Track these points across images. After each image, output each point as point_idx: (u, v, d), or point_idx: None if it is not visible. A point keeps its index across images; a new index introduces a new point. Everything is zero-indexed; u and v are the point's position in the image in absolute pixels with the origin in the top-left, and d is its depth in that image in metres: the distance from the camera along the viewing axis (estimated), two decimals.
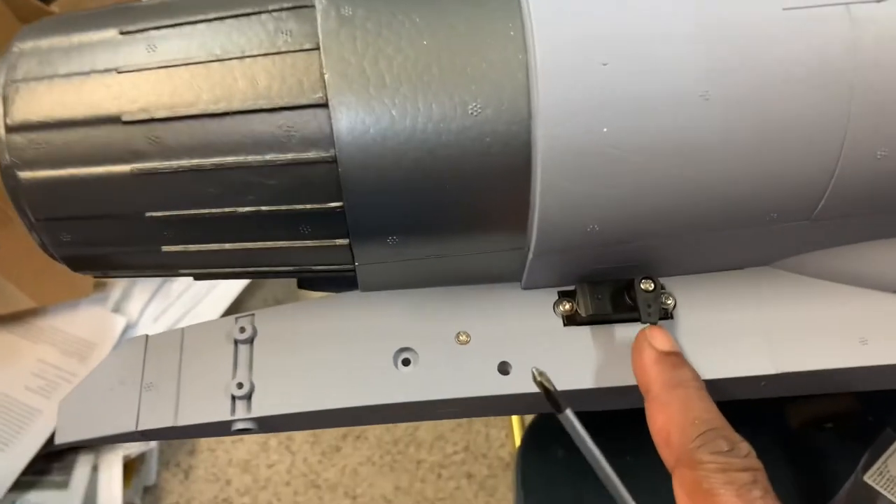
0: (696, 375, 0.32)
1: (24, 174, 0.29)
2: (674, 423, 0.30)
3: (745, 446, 0.29)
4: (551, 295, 0.35)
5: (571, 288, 0.35)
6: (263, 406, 0.33)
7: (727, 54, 0.28)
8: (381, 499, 1.03)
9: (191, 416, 0.32)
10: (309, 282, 0.37)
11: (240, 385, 0.33)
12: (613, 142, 0.29)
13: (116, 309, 1.03)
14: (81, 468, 0.96)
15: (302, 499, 1.04)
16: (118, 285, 1.05)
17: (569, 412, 0.30)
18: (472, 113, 0.28)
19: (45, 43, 0.30)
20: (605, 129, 0.28)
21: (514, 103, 0.28)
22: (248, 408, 0.33)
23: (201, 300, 1.07)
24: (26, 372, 0.99)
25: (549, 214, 0.30)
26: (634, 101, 0.28)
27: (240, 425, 0.32)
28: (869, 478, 0.52)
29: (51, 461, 0.95)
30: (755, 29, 0.28)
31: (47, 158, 0.29)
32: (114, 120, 0.29)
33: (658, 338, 0.32)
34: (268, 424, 0.33)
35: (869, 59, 0.28)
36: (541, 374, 0.30)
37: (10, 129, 0.29)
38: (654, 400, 0.31)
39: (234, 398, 0.33)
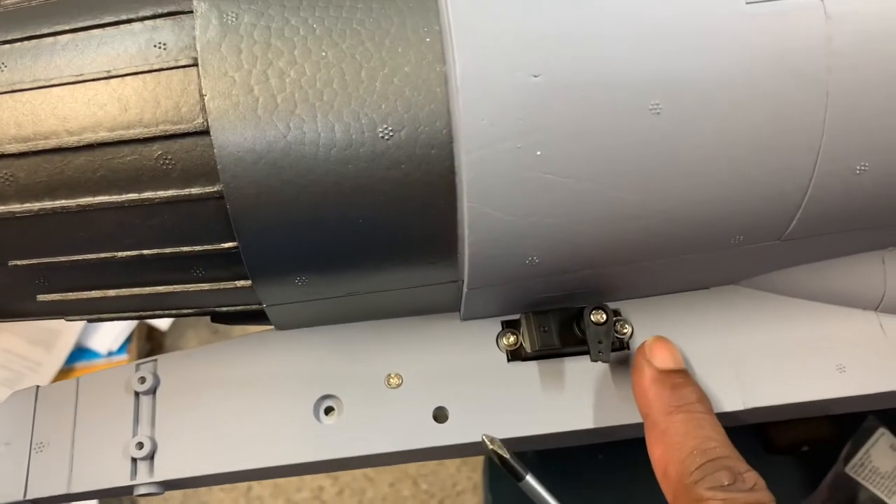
0: (700, 396, 0.28)
1: None
2: (672, 453, 0.26)
3: (751, 477, 0.26)
4: (494, 326, 0.31)
5: (516, 317, 0.31)
6: (168, 468, 0.29)
7: (681, 59, 0.24)
8: (361, 477, 1.01)
9: (86, 482, 0.29)
10: (220, 317, 0.32)
11: (140, 445, 0.29)
12: (550, 166, 0.24)
13: None
14: None
15: (281, 480, 1.01)
16: None
17: (530, 478, 0.26)
18: (382, 136, 0.24)
19: None
20: (539, 153, 0.24)
21: (432, 124, 0.24)
22: (151, 470, 0.29)
23: None
24: None
25: (481, 248, 0.26)
26: (572, 120, 0.24)
27: (142, 490, 0.29)
28: (850, 469, 0.50)
29: None
30: (714, 28, 0.24)
31: None
32: None
33: (658, 354, 0.29)
34: (175, 485, 0.29)
35: (846, 61, 0.24)
36: (492, 440, 0.27)
37: None
38: (652, 427, 0.27)
39: (134, 460, 0.29)
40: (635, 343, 0.31)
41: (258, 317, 0.32)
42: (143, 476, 0.29)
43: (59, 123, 0.24)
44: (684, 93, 0.24)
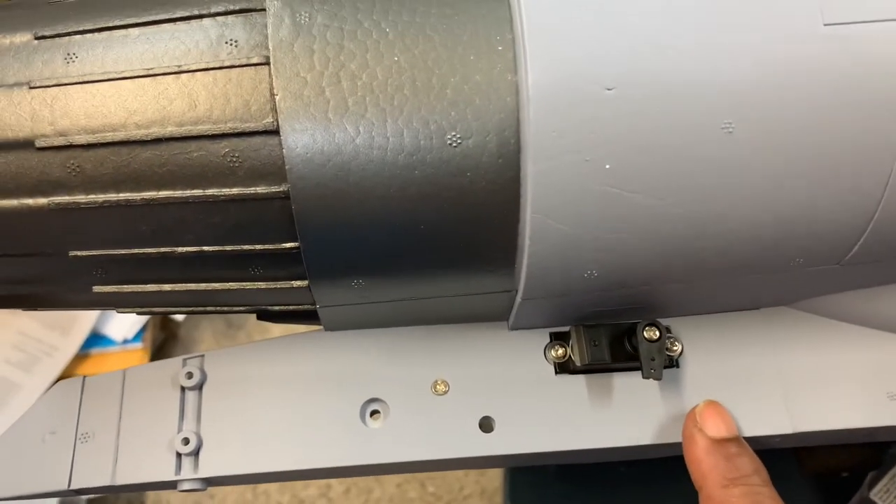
0: (757, 467, 0.27)
1: None
2: None
3: None
4: (542, 337, 0.31)
5: (565, 329, 0.31)
6: (212, 464, 0.29)
7: (756, 78, 0.24)
8: (370, 477, 1.01)
9: (131, 475, 0.29)
10: (268, 315, 0.32)
11: (185, 440, 0.29)
12: (618, 181, 0.24)
13: None
14: None
15: None
16: None
17: None
18: (451, 143, 0.24)
19: None
20: (607, 166, 0.24)
21: (501, 133, 0.24)
22: (195, 466, 0.29)
23: None
24: (6, 345, 0.96)
25: (540, 259, 0.26)
26: (645, 135, 0.24)
27: (186, 486, 0.29)
28: (875, 495, 0.50)
29: None
30: (789, 48, 0.24)
31: None
32: (26, 145, 0.24)
33: (710, 421, 0.28)
34: (218, 482, 0.29)
35: None
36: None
37: None
38: (707, 500, 0.27)
39: (179, 455, 0.29)
40: (685, 361, 0.31)
41: (306, 316, 0.32)
42: (187, 472, 0.29)
43: (128, 116, 0.24)
44: (757, 113, 0.24)
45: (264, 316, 0.32)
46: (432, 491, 1.01)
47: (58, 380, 0.88)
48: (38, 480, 0.29)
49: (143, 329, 0.95)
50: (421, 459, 0.29)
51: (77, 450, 0.29)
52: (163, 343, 1.05)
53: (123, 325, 0.96)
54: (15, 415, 0.90)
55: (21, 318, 0.97)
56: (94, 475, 0.29)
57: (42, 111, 0.24)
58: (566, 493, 0.56)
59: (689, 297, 0.30)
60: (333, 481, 1.00)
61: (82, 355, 0.93)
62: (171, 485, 0.29)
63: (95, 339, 0.94)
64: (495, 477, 1.01)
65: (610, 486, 0.55)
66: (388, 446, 0.29)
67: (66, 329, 0.98)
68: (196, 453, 0.29)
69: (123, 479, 0.29)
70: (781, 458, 0.48)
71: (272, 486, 1.01)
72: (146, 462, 0.29)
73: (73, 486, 0.29)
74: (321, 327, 0.31)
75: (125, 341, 0.95)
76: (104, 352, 0.95)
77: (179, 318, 1.00)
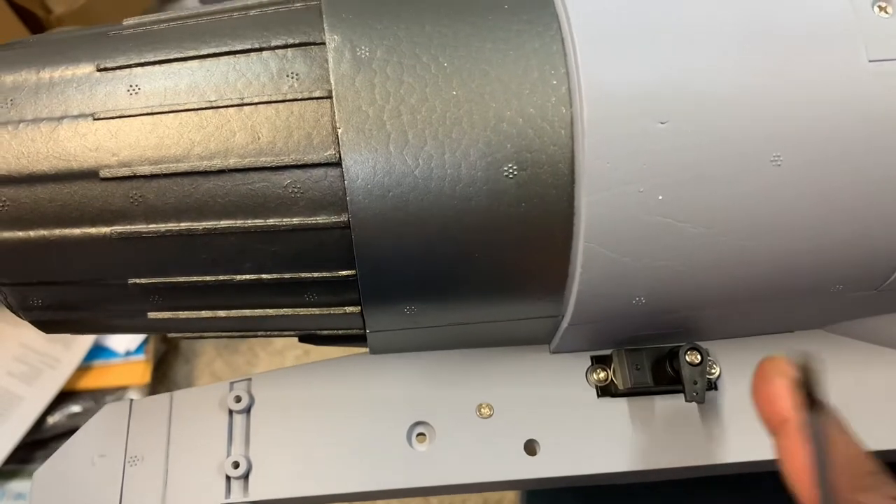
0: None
1: None
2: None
3: None
4: (583, 360, 0.32)
5: (606, 352, 0.31)
6: (262, 489, 0.29)
7: (803, 113, 0.24)
8: None
9: (181, 499, 0.29)
10: (313, 338, 0.33)
11: (235, 464, 0.29)
12: (669, 211, 0.25)
13: None
14: None
15: None
16: None
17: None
18: (507, 175, 0.25)
19: (9, 79, 0.26)
20: (660, 197, 0.25)
21: (555, 165, 0.25)
22: (245, 490, 0.29)
23: None
24: (8, 357, 0.95)
25: (591, 286, 0.26)
26: (695, 166, 0.24)
27: None
28: None
29: (34, 450, 0.91)
30: (836, 84, 0.25)
31: (12, 218, 0.25)
32: (90, 175, 0.25)
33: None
34: None
35: None
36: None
37: None
38: (792, 432, 0.24)
39: (228, 478, 0.29)
40: (723, 384, 0.31)
41: (352, 340, 0.32)
42: (237, 495, 0.29)
43: (191, 148, 0.25)
44: (805, 146, 0.25)
45: (308, 339, 0.32)
46: (436, 500, 1.02)
47: (60, 392, 0.89)
48: (88, 503, 0.29)
49: (146, 341, 0.95)
50: (468, 482, 0.29)
51: (126, 473, 0.30)
52: (164, 354, 1.04)
53: (126, 337, 0.96)
54: (17, 427, 0.90)
55: (23, 330, 0.97)
56: (144, 499, 0.29)
57: (106, 142, 0.25)
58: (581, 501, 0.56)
59: (729, 321, 0.30)
60: None
61: (85, 367, 0.93)
62: None
63: (98, 350, 0.94)
64: None
65: (625, 494, 0.55)
66: (436, 469, 0.29)
67: (68, 342, 0.97)
68: (246, 476, 0.29)
69: (174, 502, 0.29)
70: None
71: None
72: (196, 486, 0.29)
73: None
74: (364, 350, 0.32)
75: (127, 353, 0.95)
76: (107, 364, 0.95)
77: None
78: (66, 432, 0.91)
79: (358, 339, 0.32)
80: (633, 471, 0.30)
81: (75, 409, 0.93)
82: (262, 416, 0.30)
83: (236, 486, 0.29)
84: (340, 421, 0.30)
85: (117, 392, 0.94)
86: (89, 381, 0.95)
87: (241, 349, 1.12)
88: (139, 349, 0.95)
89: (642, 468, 0.30)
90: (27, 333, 0.97)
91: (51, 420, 0.92)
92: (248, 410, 0.30)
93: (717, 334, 0.31)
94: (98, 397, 0.94)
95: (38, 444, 0.92)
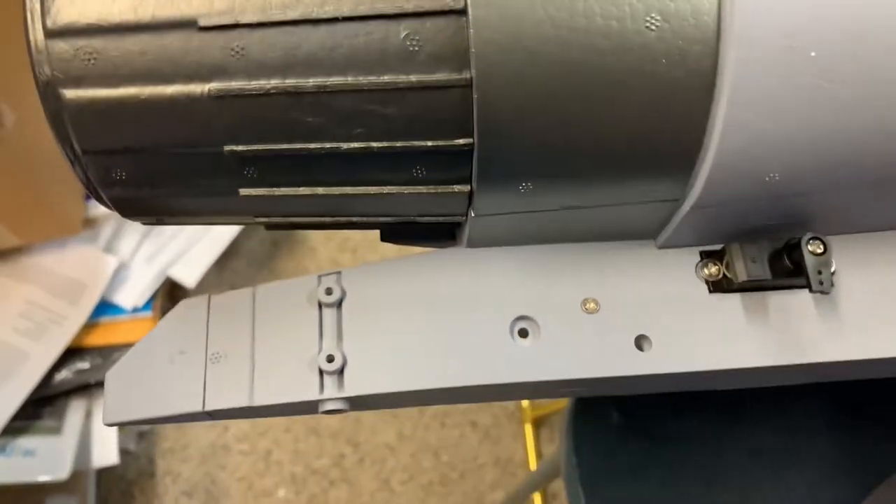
0: None
1: (70, 92, 0.22)
2: None
3: None
4: (692, 255, 0.30)
5: (716, 248, 0.30)
6: (359, 383, 0.27)
7: None
8: (383, 446, 1.00)
9: (270, 395, 0.27)
10: (396, 233, 0.31)
11: (330, 358, 0.27)
12: (822, 70, 0.23)
13: (107, 248, 0.97)
14: (74, 413, 0.91)
15: (302, 446, 1.00)
16: (108, 223, 0.98)
17: None
18: (648, 27, 0.22)
19: None
20: (812, 54, 0.23)
21: (699, 17, 0.22)
22: (340, 385, 0.27)
23: (197, 241, 1.00)
24: (13, 313, 0.93)
25: (728, 159, 0.24)
26: (855, 19, 0.22)
27: (330, 406, 0.27)
28: None
29: (41, 406, 0.90)
30: None
31: (100, 73, 0.22)
32: (187, 24, 0.22)
33: None
34: (360, 403, 0.28)
35: None
36: None
37: (51, 34, 0.22)
38: None
39: (322, 373, 0.27)
40: (839, 279, 0.30)
41: (435, 236, 0.30)
42: (331, 391, 0.27)
43: None
44: None
45: (396, 233, 0.30)
46: (446, 460, 1.01)
47: (67, 349, 0.87)
48: (169, 402, 0.27)
49: (153, 298, 0.93)
50: (576, 377, 0.27)
51: (209, 370, 0.27)
52: None
53: (133, 293, 0.94)
54: (24, 384, 0.89)
55: (27, 286, 0.94)
56: (230, 396, 0.27)
57: None
58: (632, 449, 0.55)
59: (851, 211, 0.28)
60: (347, 451, 0.99)
61: (92, 324, 0.91)
62: (313, 406, 0.27)
63: (105, 307, 0.92)
64: (509, 446, 1.01)
65: (673, 440, 0.54)
66: (543, 364, 0.27)
67: (74, 298, 0.95)
68: (340, 372, 0.27)
69: (262, 399, 0.27)
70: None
71: (285, 456, 0.99)
72: (286, 382, 0.27)
73: (208, 408, 0.27)
74: (446, 249, 0.30)
75: (135, 309, 0.93)
76: (114, 320, 0.94)
77: (191, 285, 0.98)
78: (74, 388, 0.89)
79: (447, 236, 0.30)
80: (751, 368, 0.28)
81: (83, 365, 0.92)
82: (355, 309, 0.28)
83: (330, 381, 0.27)
84: (438, 316, 0.28)
85: (125, 349, 0.92)
86: (96, 338, 0.93)
87: None
88: (146, 306, 0.94)
89: (760, 365, 0.28)
90: (32, 289, 0.94)
91: (58, 376, 0.91)
92: (339, 304, 0.28)
93: (835, 228, 0.29)
94: (106, 354, 0.93)
95: (45, 401, 0.91)
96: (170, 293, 1.00)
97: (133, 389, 0.28)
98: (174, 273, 0.95)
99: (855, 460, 0.51)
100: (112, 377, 0.28)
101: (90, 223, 0.99)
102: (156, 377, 0.28)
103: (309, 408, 0.27)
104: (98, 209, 0.98)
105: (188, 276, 0.96)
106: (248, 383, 0.27)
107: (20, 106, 0.76)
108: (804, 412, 0.53)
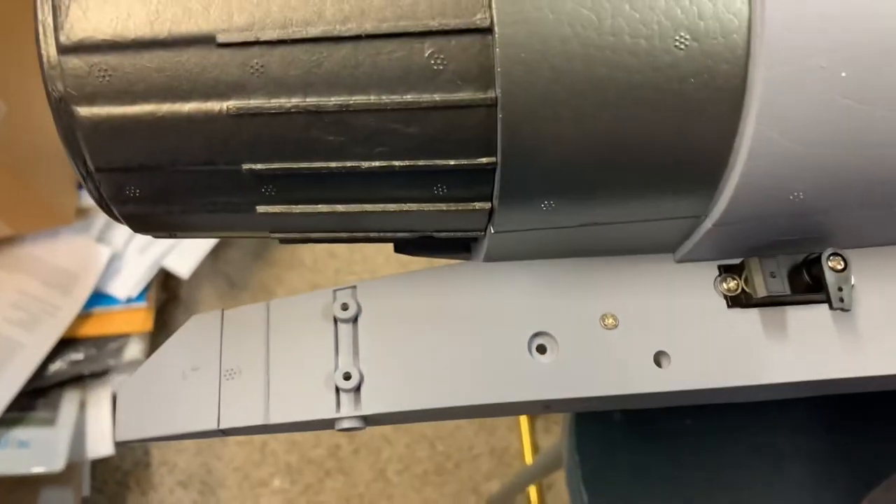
0: None
1: (84, 110, 0.22)
2: None
3: None
4: (711, 269, 0.29)
5: (735, 262, 0.29)
6: (376, 402, 0.27)
7: None
8: (378, 436, 1.00)
9: (286, 413, 0.26)
10: (411, 246, 0.30)
11: (347, 375, 0.27)
12: (851, 91, 0.22)
13: (100, 238, 0.96)
14: (68, 405, 0.91)
15: (298, 436, 1.00)
16: (101, 213, 0.97)
17: None
18: (677, 45, 0.22)
19: None
20: (843, 74, 0.22)
21: (729, 36, 0.22)
22: (357, 403, 0.27)
23: None
24: (6, 303, 0.92)
25: (753, 177, 0.24)
26: (887, 39, 0.22)
27: (346, 424, 0.27)
28: None
29: (36, 397, 0.89)
30: None
31: (114, 90, 0.22)
32: (205, 41, 0.21)
33: None
34: (378, 420, 0.27)
35: None
36: None
37: (64, 50, 0.21)
38: None
39: (338, 391, 0.27)
40: (857, 295, 0.29)
41: (459, 249, 0.30)
42: (348, 409, 0.27)
43: (322, 9, 0.21)
44: None
45: (411, 246, 0.30)
46: (442, 450, 1.01)
47: (61, 339, 0.86)
48: (183, 420, 0.27)
49: (147, 288, 0.92)
50: (595, 395, 0.27)
51: (223, 387, 0.27)
52: (165, 302, 1.02)
53: (127, 283, 0.93)
54: (18, 375, 0.88)
55: (21, 276, 0.93)
56: (245, 414, 0.27)
57: (224, 2, 0.21)
58: (634, 447, 0.55)
59: (874, 227, 0.28)
60: (342, 441, 0.99)
61: (85, 314, 0.90)
62: (329, 423, 0.27)
63: (98, 297, 0.91)
64: (504, 436, 1.01)
65: (677, 439, 0.54)
66: (562, 381, 0.27)
67: (67, 289, 0.94)
68: (357, 389, 0.27)
69: (278, 417, 0.27)
70: None
71: (280, 447, 0.99)
72: (302, 400, 0.27)
73: (223, 426, 0.27)
74: (461, 262, 0.29)
75: (129, 300, 0.92)
76: (107, 311, 0.93)
77: (184, 275, 0.97)
78: (68, 379, 0.89)
79: (465, 248, 0.29)
80: (770, 384, 0.28)
81: (76, 356, 0.91)
82: (371, 325, 0.28)
83: (346, 399, 0.27)
84: (455, 331, 0.28)
85: (119, 339, 0.92)
86: (90, 329, 0.92)
87: (243, 297, 1.09)
88: (140, 296, 0.93)
89: (779, 381, 0.28)
90: (25, 279, 0.93)
91: (52, 367, 0.90)
92: (355, 319, 0.28)
93: (853, 242, 0.29)
94: (100, 345, 0.92)
95: (39, 392, 0.90)
96: (164, 283, 0.99)
97: (145, 405, 0.27)
98: (168, 263, 0.95)
99: (855, 459, 0.51)
100: (124, 392, 0.28)
101: (83, 213, 0.98)
102: (168, 393, 0.27)
103: (325, 425, 0.27)
104: (91, 199, 0.96)
105: (182, 266, 0.95)
106: (264, 401, 0.27)
107: (12, 97, 0.75)
108: (805, 410, 0.53)
